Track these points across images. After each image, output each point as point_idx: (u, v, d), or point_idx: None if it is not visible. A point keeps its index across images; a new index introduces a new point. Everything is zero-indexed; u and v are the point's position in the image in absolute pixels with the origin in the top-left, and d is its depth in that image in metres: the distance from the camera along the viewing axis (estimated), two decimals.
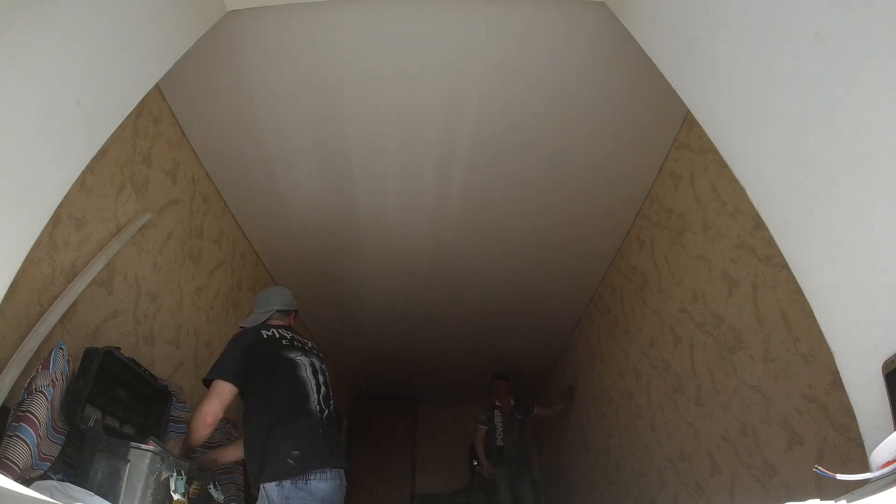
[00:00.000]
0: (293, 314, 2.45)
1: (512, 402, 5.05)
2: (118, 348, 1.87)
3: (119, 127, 1.48)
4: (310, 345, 2.31)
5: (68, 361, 1.63)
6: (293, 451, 1.85)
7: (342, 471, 1.98)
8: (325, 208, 3.33)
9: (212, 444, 2.23)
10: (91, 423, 1.67)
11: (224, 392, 1.92)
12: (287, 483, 1.79)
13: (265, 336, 2.12)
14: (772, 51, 1.12)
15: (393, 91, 2.47)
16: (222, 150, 2.82)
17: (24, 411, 1.42)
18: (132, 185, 2.22)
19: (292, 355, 2.13)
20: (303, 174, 3.02)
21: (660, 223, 3.03)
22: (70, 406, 1.61)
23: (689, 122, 2.54)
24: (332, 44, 2.23)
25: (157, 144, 2.41)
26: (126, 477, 1.54)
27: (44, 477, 1.48)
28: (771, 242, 1.25)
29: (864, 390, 0.84)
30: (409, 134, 2.74)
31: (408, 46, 2.26)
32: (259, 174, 3.01)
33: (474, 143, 2.79)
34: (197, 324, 2.88)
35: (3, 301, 1.05)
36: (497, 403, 5.01)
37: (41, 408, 1.44)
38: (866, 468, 0.72)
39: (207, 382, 1.98)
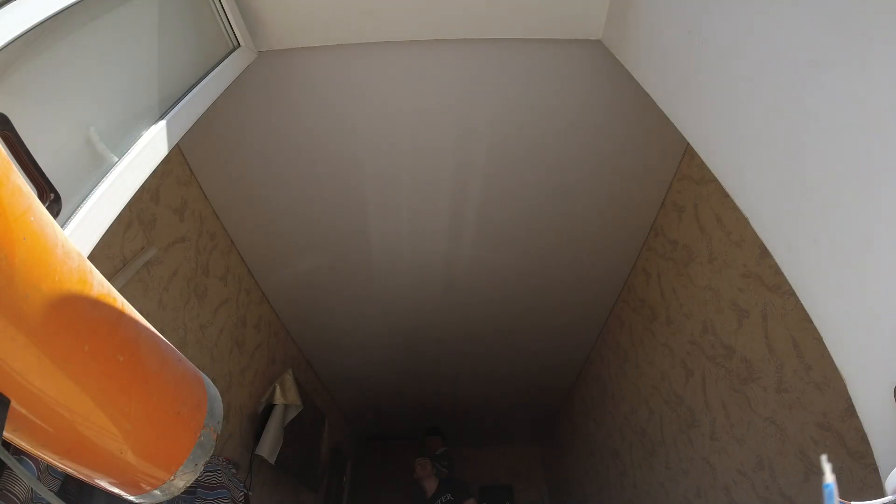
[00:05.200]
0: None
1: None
2: None
3: None
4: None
5: None
6: None
7: None
8: (334, 245, 3.36)
9: (213, 484, 2.18)
10: None
11: None
12: None
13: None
14: (767, 80, 1.13)
15: (407, 130, 2.55)
16: (230, 187, 2.86)
17: None
18: (140, 222, 2.25)
19: None
20: (312, 210, 3.06)
21: (665, 255, 3.02)
22: None
23: (689, 154, 2.57)
24: (344, 85, 2.31)
25: (166, 182, 2.45)
26: None
27: None
28: (778, 270, 1.24)
29: (876, 415, 0.81)
30: (422, 175, 2.82)
31: (421, 88, 2.34)
32: (266, 211, 3.05)
33: (485, 180, 2.85)
34: (200, 362, 2.85)
35: None
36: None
37: None
38: (882, 493, 0.69)
39: None
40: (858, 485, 1.60)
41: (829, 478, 0.61)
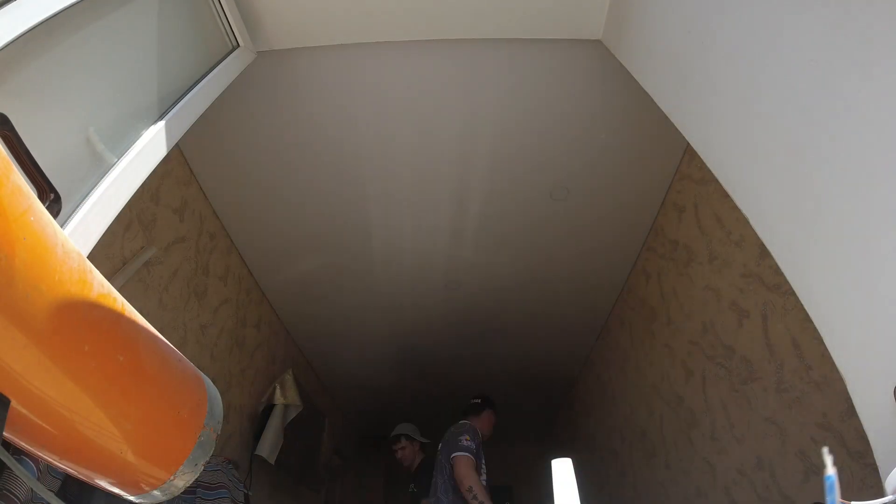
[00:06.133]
0: None
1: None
2: None
3: None
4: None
5: None
6: None
7: None
8: (335, 245, 3.35)
9: (213, 484, 2.18)
10: None
11: None
12: None
13: None
14: (766, 80, 1.13)
15: (407, 131, 2.54)
16: (230, 187, 2.86)
17: None
18: (140, 222, 2.25)
19: None
20: (312, 210, 3.06)
21: (665, 255, 3.02)
22: None
23: (689, 154, 2.57)
24: (345, 86, 2.31)
25: (166, 183, 2.45)
26: None
27: None
28: (778, 270, 1.24)
29: (876, 415, 0.81)
30: (423, 176, 2.83)
31: (421, 89, 2.34)
32: (267, 211, 3.05)
33: (485, 180, 2.86)
34: (201, 362, 2.85)
35: None
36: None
37: None
38: (882, 493, 0.69)
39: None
40: (858, 485, 1.60)
41: (831, 470, 0.61)
